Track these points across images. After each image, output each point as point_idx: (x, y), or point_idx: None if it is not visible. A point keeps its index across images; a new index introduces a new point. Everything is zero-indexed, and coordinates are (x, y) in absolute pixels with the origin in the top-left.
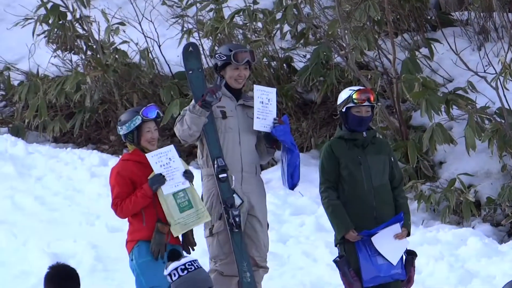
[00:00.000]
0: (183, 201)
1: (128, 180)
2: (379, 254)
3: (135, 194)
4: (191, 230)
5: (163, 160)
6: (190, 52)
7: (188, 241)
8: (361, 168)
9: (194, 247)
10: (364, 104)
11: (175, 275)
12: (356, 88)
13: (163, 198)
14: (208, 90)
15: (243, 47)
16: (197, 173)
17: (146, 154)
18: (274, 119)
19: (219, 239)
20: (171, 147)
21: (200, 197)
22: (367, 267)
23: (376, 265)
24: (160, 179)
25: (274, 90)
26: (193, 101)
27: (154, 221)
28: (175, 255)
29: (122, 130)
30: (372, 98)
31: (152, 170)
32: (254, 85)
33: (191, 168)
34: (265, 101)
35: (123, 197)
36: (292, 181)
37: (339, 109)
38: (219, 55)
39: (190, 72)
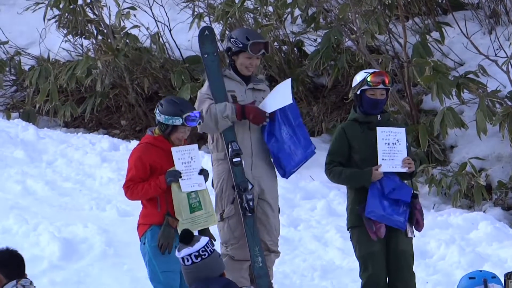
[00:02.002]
0: (194, 201)
1: (147, 165)
2: (388, 199)
3: (148, 182)
4: (208, 229)
5: (186, 158)
6: (206, 36)
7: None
8: (374, 151)
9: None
10: (379, 86)
11: (188, 260)
12: (371, 70)
13: (176, 195)
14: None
15: (259, 35)
16: (207, 157)
17: (172, 148)
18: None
19: (230, 223)
20: (195, 146)
21: (211, 182)
22: (373, 201)
23: (382, 204)
24: (177, 174)
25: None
26: (229, 105)
27: (167, 209)
28: (187, 236)
29: (160, 118)
30: (387, 81)
31: (172, 161)
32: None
33: (201, 152)
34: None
35: (137, 181)
36: (281, 170)
37: (354, 91)
38: (235, 41)
39: (206, 55)
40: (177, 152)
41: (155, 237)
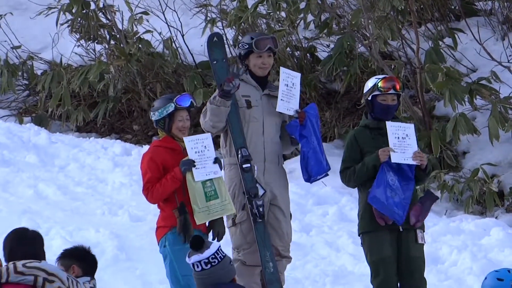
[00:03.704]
0: (209, 190)
1: (161, 165)
2: (393, 190)
3: (165, 178)
4: (221, 219)
5: (199, 147)
6: (215, 42)
7: (219, 229)
8: None
9: (222, 236)
10: (390, 92)
11: (198, 267)
12: (381, 76)
13: (192, 184)
14: (225, 79)
15: (265, 34)
16: None
17: (184, 138)
18: (296, 111)
19: (242, 228)
20: (208, 135)
21: None
22: (378, 188)
23: (386, 194)
24: (191, 163)
25: (299, 75)
26: (216, 92)
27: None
28: (198, 242)
29: (154, 116)
30: (398, 86)
31: (183, 157)
32: (281, 67)
33: None
34: (289, 84)
35: (154, 182)
36: (306, 173)
37: (365, 97)
38: (242, 44)
39: (215, 62)
40: (189, 142)
41: (176, 240)
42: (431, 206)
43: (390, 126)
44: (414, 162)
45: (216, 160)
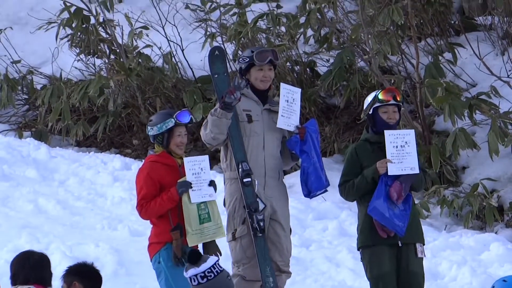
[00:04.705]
0: (203, 212)
1: (157, 182)
2: (393, 202)
3: (161, 197)
4: (215, 241)
5: (196, 168)
6: (216, 56)
7: (213, 252)
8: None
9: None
10: (390, 102)
11: (194, 281)
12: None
13: (187, 206)
14: (226, 91)
15: (265, 48)
16: (219, 177)
17: (184, 158)
18: (296, 127)
19: (242, 243)
20: (206, 157)
21: (223, 201)
22: (378, 200)
23: (386, 205)
24: (188, 185)
25: (299, 90)
26: (217, 104)
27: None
28: (194, 256)
29: (152, 131)
30: (398, 97)
31: (179, 175)
32: (281, 83)
33: (213, 172)
34: (290, 100)
35: (149, 199)
36: (306, 188)
37: (366, 112)
38: (242, 58)
39: (216, 76)
40: (188, 163)
41: (171, 256)
42: (411, 181)
43: (389, 135)
44: (411, 172)
45: (212, 183)
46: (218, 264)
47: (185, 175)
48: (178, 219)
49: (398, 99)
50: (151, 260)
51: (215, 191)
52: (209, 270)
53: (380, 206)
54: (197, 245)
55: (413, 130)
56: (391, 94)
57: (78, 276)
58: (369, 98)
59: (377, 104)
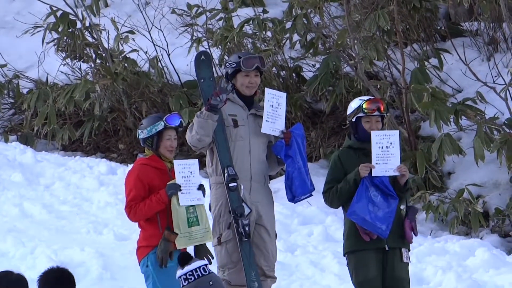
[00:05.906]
0: (192, 216)
1: (146, 185)
2: (375, 205)
3: (150, 199)
4: (205, 244)
5: (186, 172)
6: (202, 61)
7: (204, 255)
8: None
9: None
10: (374, 114)
11: (185, 281)
12: (366, 98)
13: (176, 208)
14: (213, 93)
15: (252, 54)
16: (205, 182)
17: (174, 161)
18: (282, 131)
19: (228, 248)
20: (195, 161)
21: (209, 205)
22: (357, 203)
23: (368, 208)
24: (177, 187)
25: (284, 94)
26: (203, 107)
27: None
28: (186, 259)
29: (142, 134)
30: (382, 108)
31: (169, 178)
32: (266, 88)
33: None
34: (275, 105)
35: (138, 201)
36: (290, 193)
37: (349, 119)
38: (229, 63)
39: (202, 80)
40: (178, 165)
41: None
42: (415, 213)
43: (376, 135)
44: (395, 174)
45: (200, 187)
46: (204, 268)
47: (174, 179)
48: (167, 223)
49: (382, 110)
50: (139, 264)
51: (204, 195)
52: (191, 273)
53: (360, 210)
54: (185, 248)
55: (397, 131)
56: (375, 105)
57: (48, 284)
58: (352, 105)
59: (360, 114)
